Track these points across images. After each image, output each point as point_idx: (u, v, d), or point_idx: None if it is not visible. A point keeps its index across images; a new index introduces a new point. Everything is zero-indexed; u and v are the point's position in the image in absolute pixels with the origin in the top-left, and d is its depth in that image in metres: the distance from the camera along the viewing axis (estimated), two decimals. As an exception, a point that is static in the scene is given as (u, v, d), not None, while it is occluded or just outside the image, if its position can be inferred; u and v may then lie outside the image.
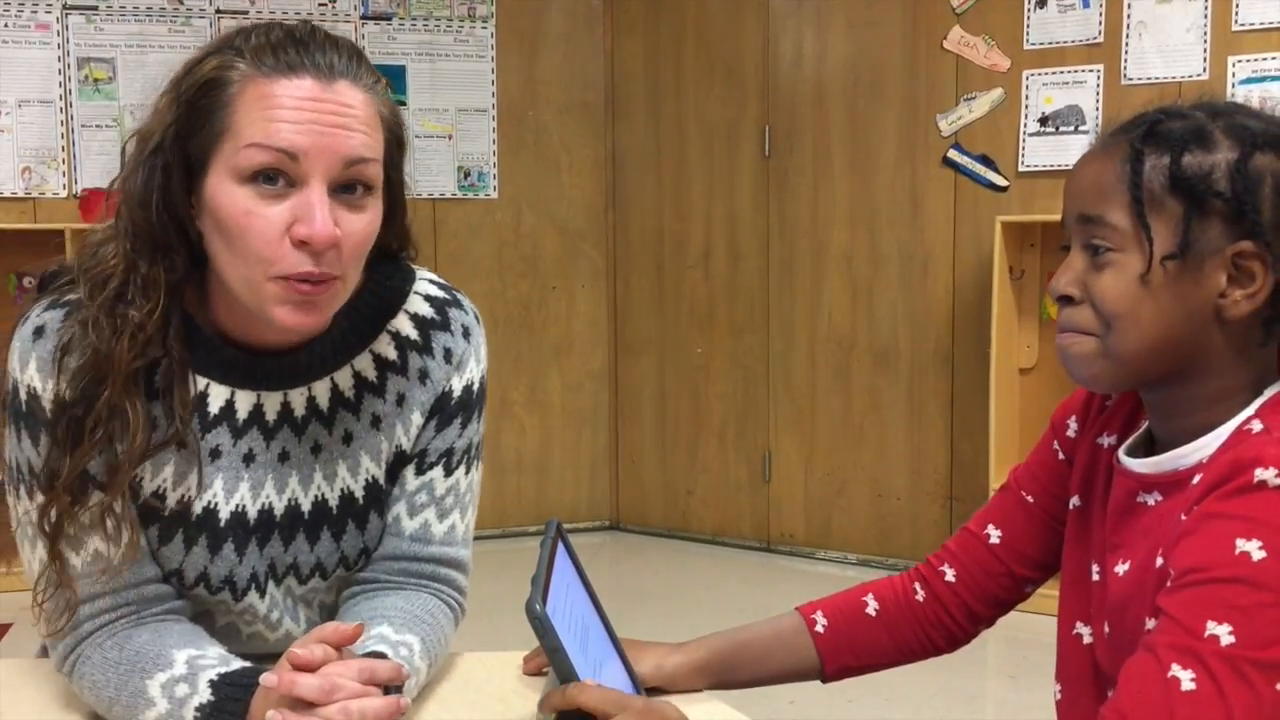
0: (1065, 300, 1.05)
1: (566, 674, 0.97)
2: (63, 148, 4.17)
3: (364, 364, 1.21)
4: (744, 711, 1.15)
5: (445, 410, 1.24)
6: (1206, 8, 3.57)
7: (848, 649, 1.26)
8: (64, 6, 4.16)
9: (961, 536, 1.27)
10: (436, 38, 4.48)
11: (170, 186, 1.08)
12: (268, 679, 1.00)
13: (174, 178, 1.08)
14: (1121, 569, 1.06)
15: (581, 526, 4.67)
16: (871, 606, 1.27)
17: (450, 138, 4.49)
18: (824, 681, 1.27)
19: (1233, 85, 3.53)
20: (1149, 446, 1.09)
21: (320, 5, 4.37)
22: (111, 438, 1.10)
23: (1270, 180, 0.99)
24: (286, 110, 1.04)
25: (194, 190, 1.08)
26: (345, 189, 1.07)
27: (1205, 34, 3.57)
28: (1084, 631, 1.13)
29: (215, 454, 1.17)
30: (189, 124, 1.07)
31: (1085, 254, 1.04)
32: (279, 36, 1.08)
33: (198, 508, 1.16)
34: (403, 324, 1.23)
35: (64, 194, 4.15)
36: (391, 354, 1.22)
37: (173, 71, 1.11)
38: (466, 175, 4.52)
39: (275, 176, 1.04)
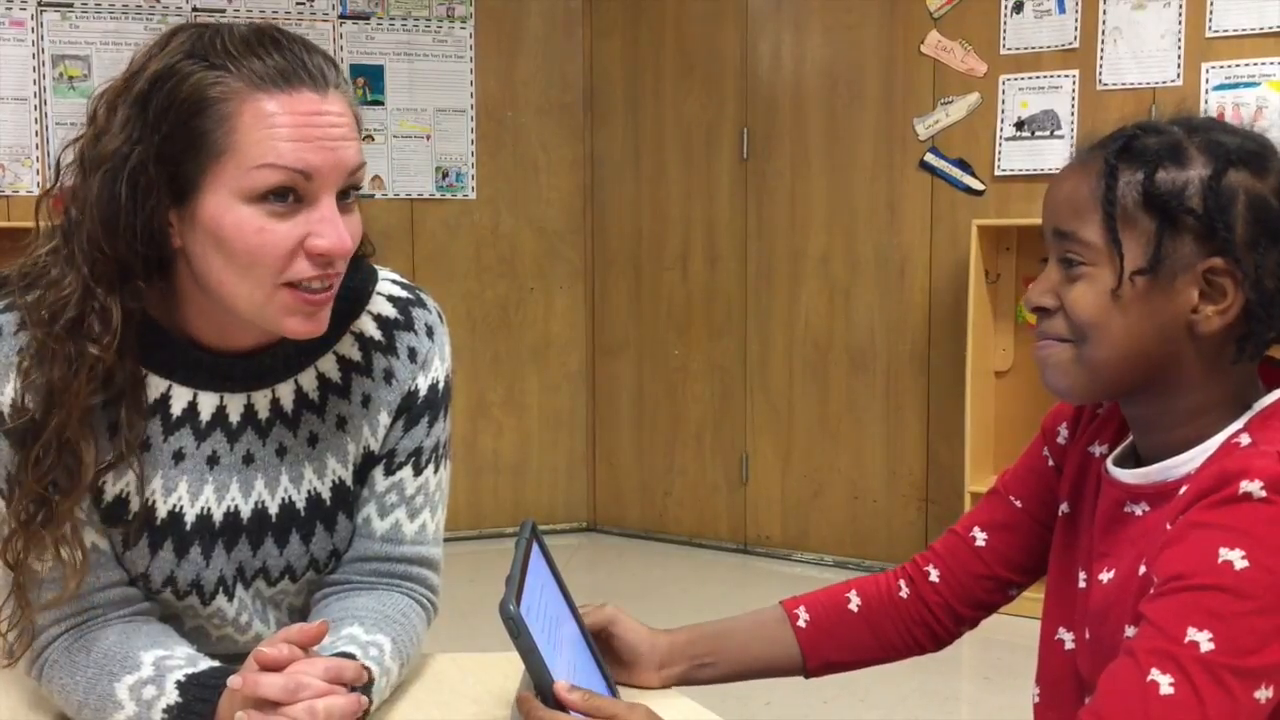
0: (1041, 311, 1.06)
1: (540, 675, 0.97)
2: (37, 145, 4.14)
3: (328, 365, 1.20)
4: (719, 713, 1.15)
5: (412, 410, 1.23)
6: (1181, 14, 3.59)
7: (829, 644, 1.26)
8: (39, 3, 4.13)
9: (948, 538, 1.27)
10: (415, 38, 4.46)
11: (151, 212, 1.04)
12: (233, 681, 0.99)
13: (158, 202, 1.04)
14: (1106, 577, 1.07)
15: (559, 528, 4.66)
16: (854, 603, 1.27)
17: (428, 138, 4.48)
18: (807, 677, 1.28)
19: (1206, 91, 3.56)
20: (1138, 457, 1.09)
21: (298, 4, 4.35)
22: (62, 466, 1.07)
23: (1243, 197, 0.99)
24: (294, 129, 1.03)
25: (178, 210, 1.05)
26: (341, 194, 1.07)
27: (1179, 40, 3.60)
28: (1066, 638, 1.14)
29: (179, 456, 1.15)
30: (177, 146, 1.03)
31: (1061, 268, 1.05)
32: (253, 40, 1.05)
33: (162, 511, 1.15)
34: (366, 324, 1.22)
35: (38, 192, 4.11)
36: (355, 355, 1.21)
37: (122, 79, 1.06)
38: (445, 175, 4.51)
39: (287, 195, 1.03)
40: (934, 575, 1.26)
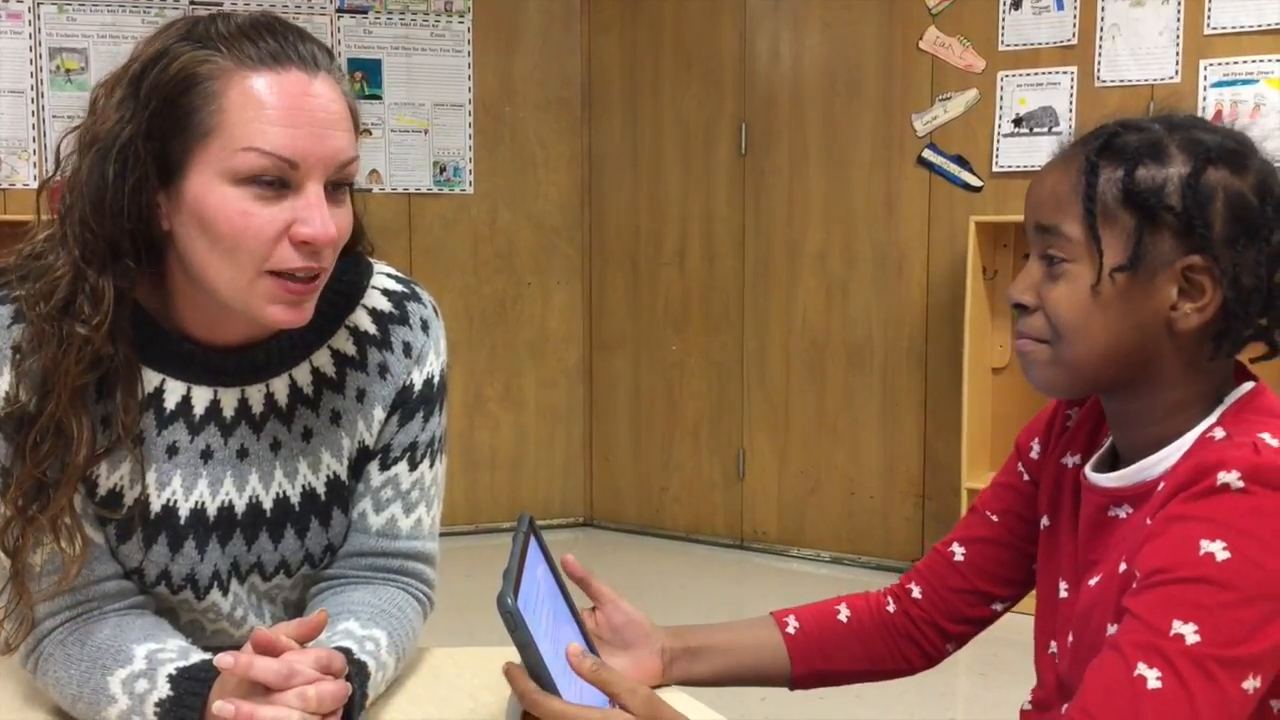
0: (1020, 308, 1.07)
1: (537, 669, 0.97)
2: (33, 139, 4.14)
3: (323, 360, 1.20)
4: (715, 709, 1.15)
5: (407, 405, 1.23)
6: (1179, 11, 3.60)
7: (817, 653, 1.27)
8: (36, -4, 4.13)
9: (930, 556, 1.29)
10: (413, 32, 4.46)
11: (138, 189, 1.04)
12: (224, 660, 0.98)
13: (145, 179, 1.04)
14: (1094, 582, 1.07)
15: (556, 523, 4.66)
16: (844, 614, 1.29)
17: (426, 132, 4.48)
18: (792, 687, 1.29)
19: (1204, 88, 3.56)
20: (1114, 462, 1.10)
21: (296, -2, 4.35)
22: (58, 450, 1.07)
23: (1221, 195, 1.00)
24: (283, 111, 1.02)
25: (166, 190, 1.06)
26: (331, 186, 1.07)
27: (1178, 37, 3.60)
28: (1055, 649, 1.15)
29: (172, 450, 1.15)
30: (164, 123, 1.03)
31: (1042, 263, 1.05)
32: (247, 25, 1.05)
33: (156, 505, 1.15)
34: (361, 319, 1.22)
35: (35, 185, 4.11)
36: (350, 349, 1.21)
37: (122, 66, 1.07)
38: (442, 170, 4.51)
39: (273, 180, 1.03)
40: (916, 592, 1.28)
